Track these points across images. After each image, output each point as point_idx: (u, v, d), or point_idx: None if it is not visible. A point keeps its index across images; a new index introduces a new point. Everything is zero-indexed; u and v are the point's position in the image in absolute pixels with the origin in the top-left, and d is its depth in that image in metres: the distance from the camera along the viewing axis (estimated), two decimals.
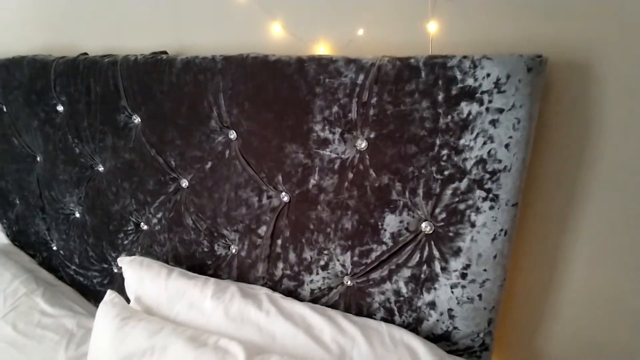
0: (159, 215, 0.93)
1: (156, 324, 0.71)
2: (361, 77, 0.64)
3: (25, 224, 1.24)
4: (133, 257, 0.88)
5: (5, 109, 1.16)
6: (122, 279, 0.88)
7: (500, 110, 0.57)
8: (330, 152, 0.70)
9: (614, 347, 0.65)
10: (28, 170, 1.16)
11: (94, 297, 1.11)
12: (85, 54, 0.99)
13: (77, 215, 1.09)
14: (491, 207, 0.60)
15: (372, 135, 0.66)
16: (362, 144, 0.67)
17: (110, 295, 0.80)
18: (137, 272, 0.83)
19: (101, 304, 0.78)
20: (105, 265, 1.08)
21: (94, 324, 0.76)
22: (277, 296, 0.76)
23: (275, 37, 0.80)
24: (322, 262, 0.76)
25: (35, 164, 1.14)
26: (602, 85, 0.59)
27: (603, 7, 0.56)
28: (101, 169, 1.00)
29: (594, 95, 0.60)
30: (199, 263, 0.91)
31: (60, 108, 1.01)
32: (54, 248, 1.19)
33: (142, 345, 0.67)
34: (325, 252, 0.75)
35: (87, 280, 1.12)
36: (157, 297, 0.79)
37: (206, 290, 0.76)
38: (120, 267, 1.01)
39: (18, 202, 1.24)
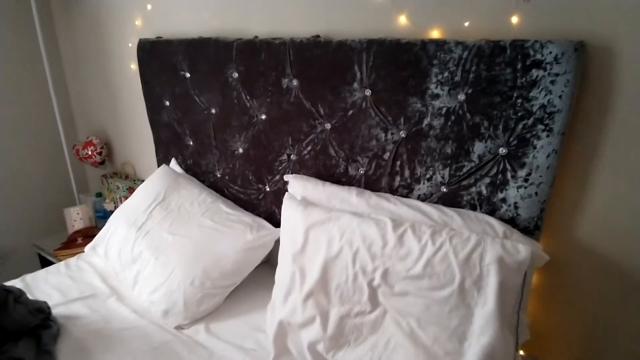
0: (308, 148, 1.38)
1: (326, 208, 1.16)
2: (466, 53, 1.02)
3: (197, 158, 1.76)
4: (295, 174, 1.34)
5: (187, 76, 1.64)
6: (272, 196, 1.41)
7: (557, 74, 0.92)
8: (440, 102, 1.09)
9: (631, 231, 1.01)
10: (204, 120, 1.65)
11: (251, 208, 1.61)
12: (256, 37, 1.43)
13: (241, 150, 1.57)
14: (547, 135, 0.97)
15: (469, 91, 1.04)
16: (462, 97, 1.05)
17: (288, 194, 1.27)
18: (301, 182, 1.30)
19: (285, 198, 1.25)
20: (261, 186, 1.56)
21: (282, 209, 1.24)
22: (398, 196, 1.18)
23: (401, 25, 1.18)
24: (427, 176, 1.17)
25: (210, 115, 1.63)
26: (624, 61, 0.92)
27: (630, 7, 0.89)
28: (264, 117, 1.46)
29: (619, 66, 0.93)
30: (336, 180, 1.35)
31: (235, 75, 1.47)
32: (219, 175, 1.70)
33: (321, 217, 1.13)
34: (431, 168, 1.16)
35: (246, 196, 1.62)
36: (318, 197, 1.25)
37: (351, 192, 1.21)
38: (271, 187, 1.49)
39: (192, 142, 1.75)
